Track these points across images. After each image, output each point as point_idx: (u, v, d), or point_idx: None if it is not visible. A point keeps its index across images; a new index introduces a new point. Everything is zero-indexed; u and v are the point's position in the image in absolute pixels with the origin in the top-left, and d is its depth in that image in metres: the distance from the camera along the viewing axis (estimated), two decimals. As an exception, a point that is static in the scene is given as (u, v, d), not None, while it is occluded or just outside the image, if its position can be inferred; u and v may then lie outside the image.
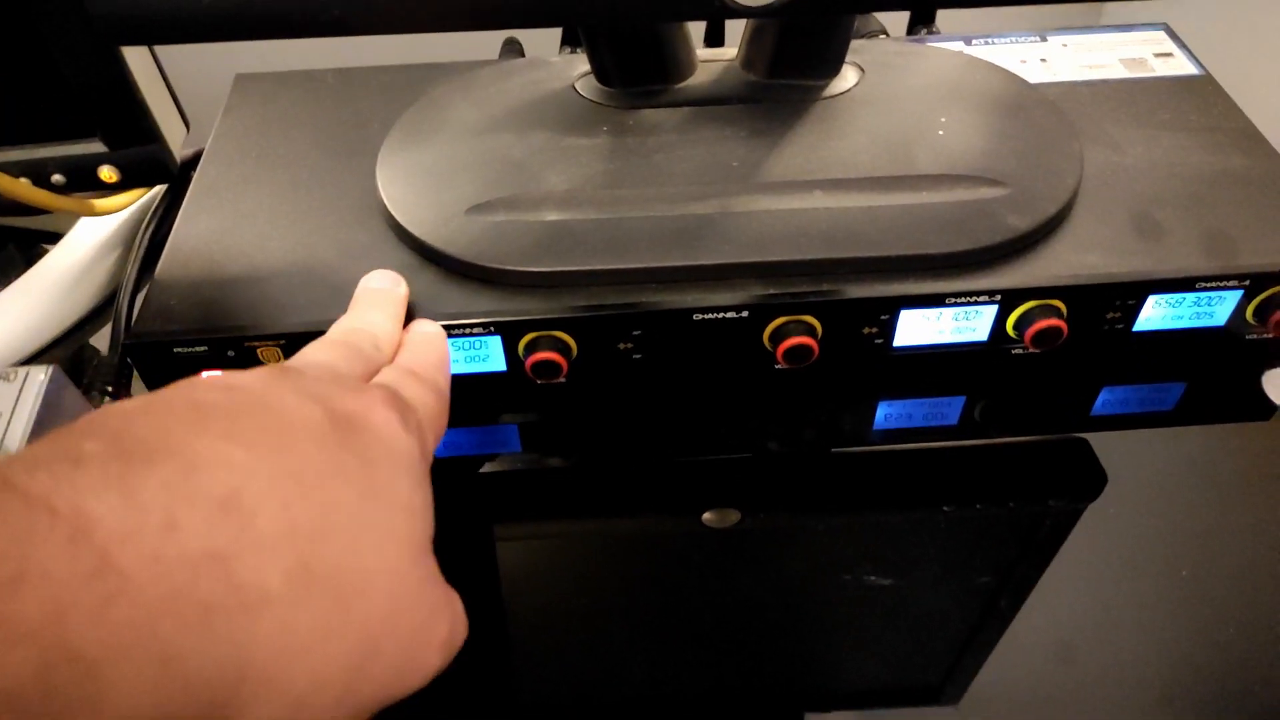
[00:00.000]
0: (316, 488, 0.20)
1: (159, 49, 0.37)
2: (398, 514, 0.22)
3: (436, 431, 0.28)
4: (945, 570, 0.36)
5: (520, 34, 0.52)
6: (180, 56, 0.42)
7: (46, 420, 0.27)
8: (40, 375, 0.27)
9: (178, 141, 0.38)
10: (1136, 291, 0.37)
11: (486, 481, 0.39)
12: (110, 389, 0.38)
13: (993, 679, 0.32)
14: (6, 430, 0.26)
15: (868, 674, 0.33)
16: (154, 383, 0.38)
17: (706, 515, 0.37)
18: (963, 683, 0.32)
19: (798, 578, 0.36)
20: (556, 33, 0.53)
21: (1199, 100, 0.44)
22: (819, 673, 0.34)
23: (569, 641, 0.35)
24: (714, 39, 0.52)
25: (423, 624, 0.22)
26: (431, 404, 0.28)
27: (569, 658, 0.34)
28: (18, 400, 0.27)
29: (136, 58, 0.36)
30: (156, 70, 0.36)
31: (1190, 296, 0.38)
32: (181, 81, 0.40)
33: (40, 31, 0.33)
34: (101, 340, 0.45)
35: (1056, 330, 0.36)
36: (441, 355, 0.32)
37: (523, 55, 0.53)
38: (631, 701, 0.33)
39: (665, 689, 0.33)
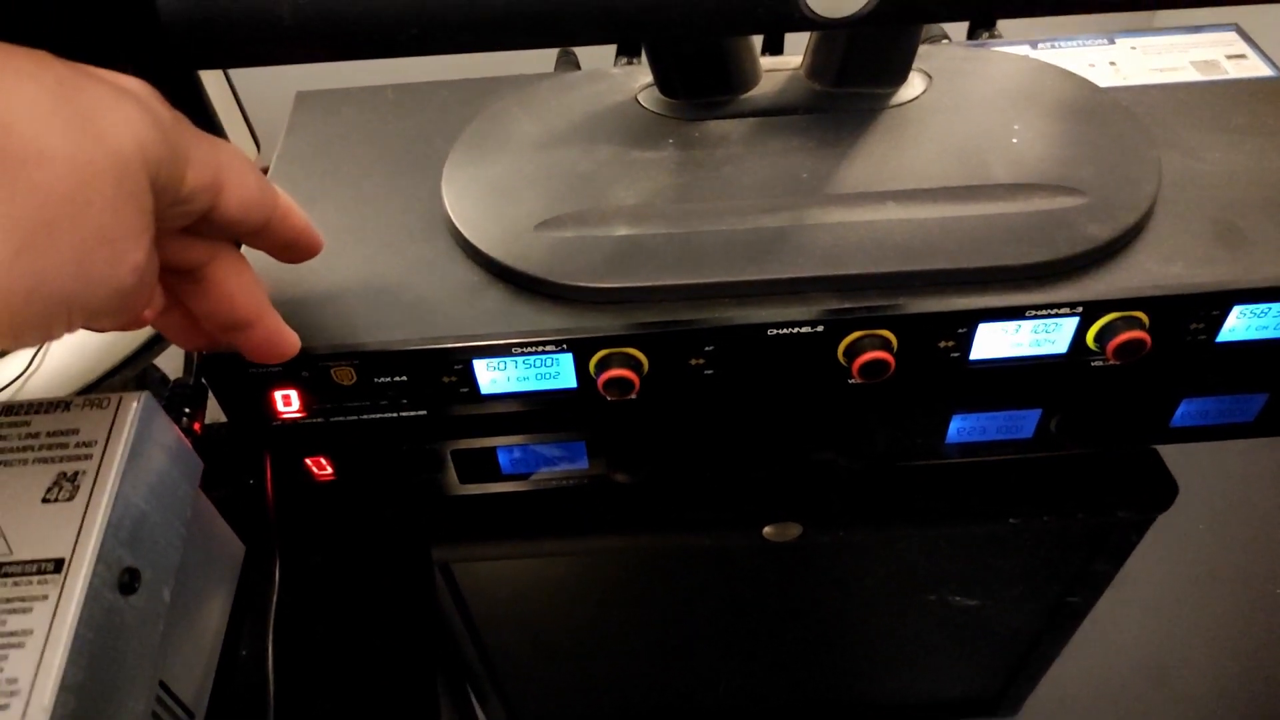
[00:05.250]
0: (11, 70, 0.21)
1: (232, 70, 0.37)
2: (107, 119, 0.23)
3: (212, 165, 0.27)
4: (1008, 584, 0.35)
5: (589, 45, 0.52)
6: (245, 76, 0.42)
7: (140, 447, 0.27)
8: (133, 402, 0.27)
9: (249, 161, 0.38)
10: (1221, 302, 0.36)
11: (551, 497, 0.39)
12: (188, 410, 0.38)
13: (1059, 694, 0.32)
14: (103, 457, 0.26)
15: (922, 689, 0.33)
16: (229, 403, 0.38)
17: (767, 530, 0.37)
18: (1020, 696, 0.32)
19: (858, 592, 0.35)
20: (622, 43, 0.52)
21: (1276, 102, 0.43)
22: (875, 690, 0.33)
23: (623, 654, 0.35)
24: (774, 47, 0.52)
25: (113, 233, 0.23)
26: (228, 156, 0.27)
27: (624, 670, 0.34)
28: (112, 427, 0.27)
29: (209, 79, 0.36)
30: (229, 91, 0.36)
31: (1276, 306, 0.37)
32: (248, 100, 0.40)
33: (118, 55, 0.34)
34: (164, 361, 0.45)
35: (1140, 343, 0.36)
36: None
37: (578, 67, 0.53)
38: (687, 715, 0.33)
39: (719, 704, 0.33)
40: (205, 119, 0.35)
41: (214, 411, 0.40)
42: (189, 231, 0.28)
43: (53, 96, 0.22)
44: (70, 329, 0.23)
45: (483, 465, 0.40)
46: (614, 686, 0.34)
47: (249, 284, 0.31)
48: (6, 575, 0.24)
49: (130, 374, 0.44)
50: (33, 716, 0.22)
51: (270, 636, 0.33)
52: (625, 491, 0.39)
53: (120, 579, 0.26)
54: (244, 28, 0.30)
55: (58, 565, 0.24)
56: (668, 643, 0.35)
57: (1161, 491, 0.37)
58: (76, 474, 0.26)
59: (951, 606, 0.34)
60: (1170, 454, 0.39)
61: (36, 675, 0.23)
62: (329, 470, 0.40)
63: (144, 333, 0.44)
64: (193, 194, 0.26)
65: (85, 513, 0.25)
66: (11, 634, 0.23)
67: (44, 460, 0.27)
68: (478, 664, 0.34)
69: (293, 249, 0.32)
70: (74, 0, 0.31)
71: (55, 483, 0.26)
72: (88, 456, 0.26)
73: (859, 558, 0.36)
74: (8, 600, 0.24)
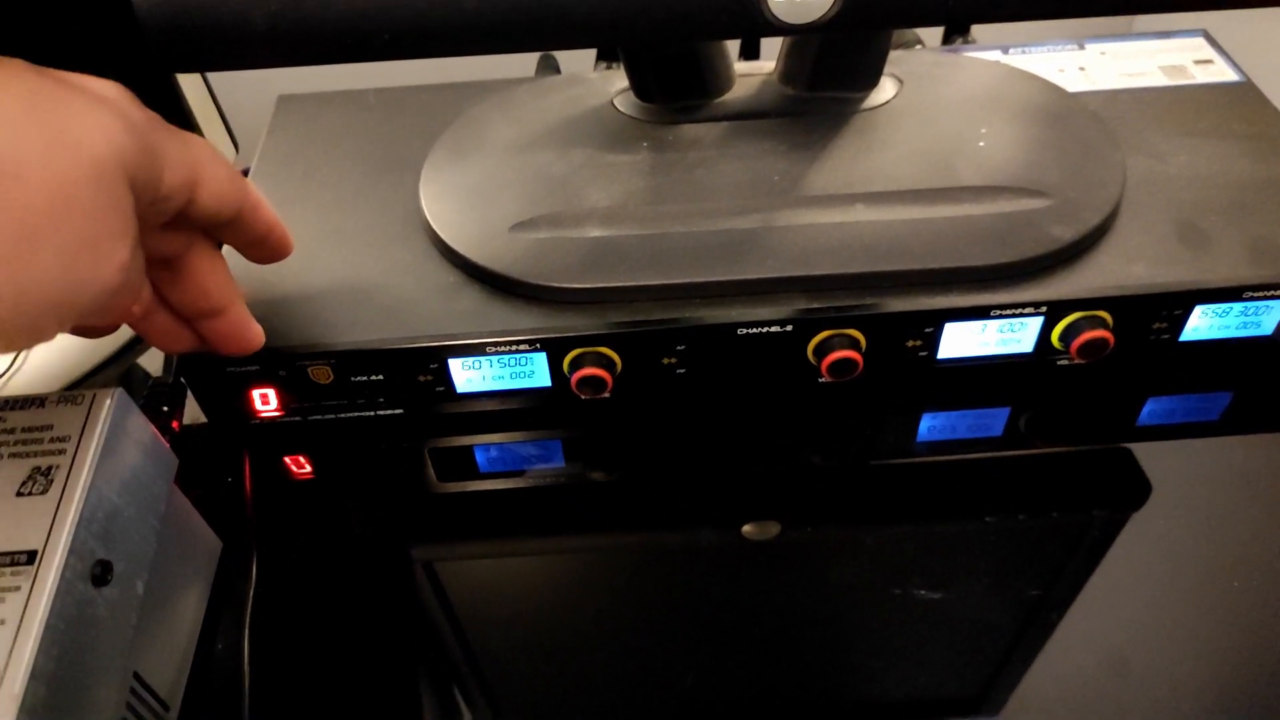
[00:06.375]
0: None
1: (210, 73, 0.37)
2: (81, 127, 0.23)
3: (189, 162, 0.27)
4: (986, 582, 0.35)
5: (556, 50, 0.52)
6: (223, 80, 0.43)
7: (113, 443, 0.28)
8: (106, 399, 0.28)
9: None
10: (1183, 301, 0.37)
11: (528, 496, 0.39)
12: (166, 408, 0.38)
13: (1034, 691, 0.32)
14: (76, 452, 0.27)
15: (903, 689, 0.33)
16: (207, 402, 0.38)
17: (746, 528, 0.37)
18: (1002, 697, 0.32)
19: (837, 591, 0.36)
20: (591, 49, 0.53)
21: (1241, 107, 0.44)
22: (855, 688, 0.33)
23: (604, 652, 0.35)
24: (749, 52, 0.52)
25: (96, 238, 0.23)
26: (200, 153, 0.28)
27: (604, 667, 0.34)
28: (85, 422, 0.27)
29: (187, 81, 0.36)
30: (207, 94, 0.36)
31: (1237, 306, 0.37)
32: (228, 103, 0.40)
33: (95, 60, 0.34)
34: (146, 362, 0.46)
35: (1103, 341, 0.36)
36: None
37: (559, 72, 0.54)
38: (667, 713, 0.33)
39: (698, 704, 0.33)
40: (183, 122, 0.35)
41: (194, 413, 0.41)
42: (166, 225, 0.29)
43: (26, 108, 0.22)
44: (62, 329, 0.24)
45: (460, 464, 0.41)
46: (594, 683, 0.34)
47: (221, 272, 0.32)
48: (-20, 567, 0.25)
49: (113, 373, 0.44)
50: (2, 704, 0.23)
51: (246, 631, 0.34)
52: (605, 491, 0.39)
53: (92, 571, 0.26)
54: (219, 32, 0.31)
55: (30, 557, 0.25)
56: (649, 640, 0.35)
57: (1135, 490, 0.38)
58: (50, 468, 0.27)
59: (929, 604, 0.34)
60: (1144, 453, 0.39)
61: (8, 664, 0.23)
62: (307, 469, 0.40)
63: (126, 332, 0.44)
64: (171, 192, 0.27)
65: (58, 506, 0.26)
66: (-16, 624, 0.24)
67: (18, 455, 0.27)
68: (460, 660, 0.35)
69: (263, 245, 0.33)
70: (52, 3, 0.32)
71: (29, 477, 0.26)
72: (61, 451, 0.27)
73: (839, 556, 0.37)
74: (-20, 591, 0.24)
